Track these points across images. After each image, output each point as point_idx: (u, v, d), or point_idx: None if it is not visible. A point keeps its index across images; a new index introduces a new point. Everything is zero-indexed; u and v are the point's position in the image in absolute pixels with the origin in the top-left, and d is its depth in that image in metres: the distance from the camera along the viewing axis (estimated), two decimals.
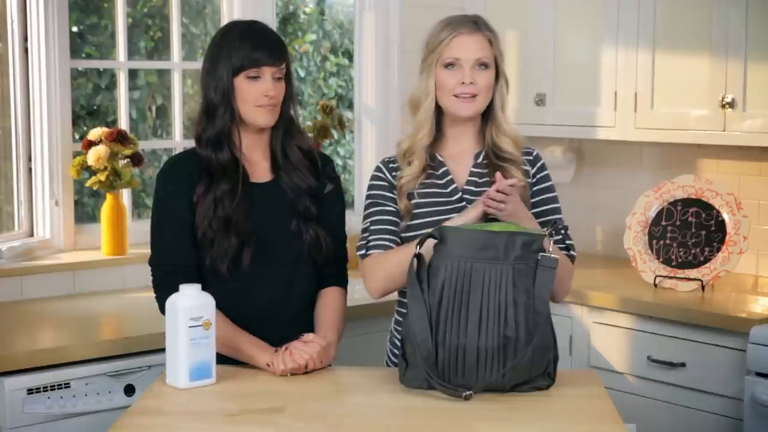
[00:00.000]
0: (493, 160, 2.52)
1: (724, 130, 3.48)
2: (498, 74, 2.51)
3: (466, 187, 2.51)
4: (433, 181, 2.52)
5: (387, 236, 2.51)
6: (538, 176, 2.56)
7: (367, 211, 2.56)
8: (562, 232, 2.52)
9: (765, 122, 3.40)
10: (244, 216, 2.50)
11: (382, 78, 4.21)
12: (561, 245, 2.51)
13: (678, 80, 3.60)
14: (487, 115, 2.54)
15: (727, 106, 3.45)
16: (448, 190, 2.51)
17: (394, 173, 2.55)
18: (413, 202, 2.51)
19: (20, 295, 3.32)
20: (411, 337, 2.24)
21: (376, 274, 2.48)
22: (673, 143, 3.80)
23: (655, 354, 3.32)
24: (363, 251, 2.53)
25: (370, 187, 2.58)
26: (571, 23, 3.91)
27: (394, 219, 2.52)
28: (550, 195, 2.56)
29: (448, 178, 2.52)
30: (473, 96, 2.47)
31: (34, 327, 3.07)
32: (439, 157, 2.54)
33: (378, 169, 2.59)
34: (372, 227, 2.53)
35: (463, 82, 2.46)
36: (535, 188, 2.55)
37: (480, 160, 2.54)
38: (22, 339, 2.93)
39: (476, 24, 2.50)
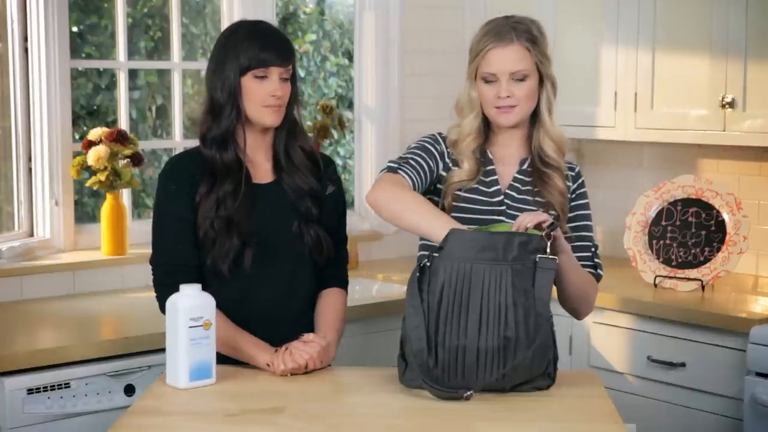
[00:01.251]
0: (537, 166, 2.51)
1: (724, 130, 3.48)
2: (542, 78, 2.48)
3: (507, 191, 2.51)
4: (480, 177, 2.51)
5: (414, 175, 2.44)
6: (578, 192, 2.56)
7: (411, 146, 2.51)
8: (592, 250, 2.56)
9: (765, 122, 3.40)
10: (246, 217, 2.50)
11: (382, 78, 4.21)
12: (589, 263, 2.53)
13: (678, 80, 3.60)
14: (535, 119, 2.52)
15: (727, 106, 3.45)
16: (491, 190, 2.50)
17: (448, 149, 2.52)
18: (455, 193, 2.49)
19: (20, 295, 3.32)
20: (408, 343, 2.24)
21: (390, 199, 2.37)
22: (673, 143, 3.80)
23: (655, 354, 3.32)
24: (395, 164, 2.45)
25: (422, 140, 2.53)
26: (571, 23, 3.91)
27: (429, 171, 2.47)
28: (585, 212, 2.58)
29: (493, 178, 2.51)
30: (512, 107, 2.46)
31: (34, 327, 3.07)
32: (489, 155, 2.53)
33: (435, 137, 2.54)
34: (411, 160, 2.46)
35: (499, 96, 2.45)
36: (572, 203, 2.55)
37: (525, 166, 2.53)
38: (22, 339, 2.93)
39: (515, 31, 2.44)
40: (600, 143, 4.09)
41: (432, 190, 2.52)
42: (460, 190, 2.50)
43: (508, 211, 2.48)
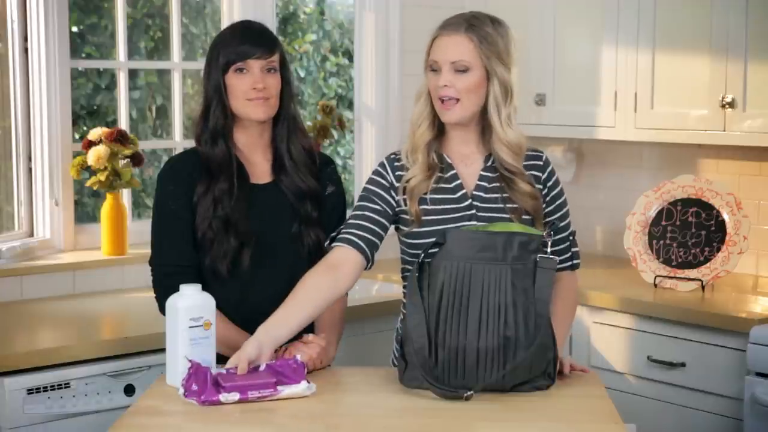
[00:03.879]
0: (500, 170, 2.44)
1: (724, 130, 3.48)
2: (489, 76, 2.41)
3: (475, 192, 2.45)
4: (442, 185, 2.44)
5: (358, 231, 2.41)
6: (550, 182, 2.50)
7: (355, 205, 2.50)
8: (570, 239, 2.52)
9: (765, 122, 3.39)
10: (243, 216, 2.50)
11: (382, 78, 4.21)
12: (566, 255, 2.51)
13: (678, 80, 3.60)
14: (487, 120, 2.45)
15: (727, 106, 3.45)
16: (457, 195, 2.44)
17: (397, 172, 2.47)
18: (422, 207, 2.43)
19: (20, 295, 3.32)
20: (409, 342, 2.24)
21: None
22: (673, 143, 3.80)
23: (655, 354, 3.32)
24: (329, 241, 2.49)
25: (368, 181, 2.50)
26: (571, 23, 3.91)
27: (376, 217, 2.43)
28: (560, 201, 2.51)
29: (457, 182, 2.45)
30: (455, 100, 2.39)
31: (34, 327, 3.07)
32: (447, 159, 2.47)
33: (381, 164, 2.50)
34: (350, 220, 2.45)
35: (438, 85, 2.40)
36: (547, 198, 2.49)
37: (490, 163, 2.46)
38: (22, 339, 2.93)
39: (466, 23, 2.40)
40: (600, 143, 4.09)
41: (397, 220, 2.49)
42: (425, 198, 2.43)
43: (479, 213, 2.42)
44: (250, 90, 2.50)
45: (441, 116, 2.44)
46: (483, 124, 2.46)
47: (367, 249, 2.41)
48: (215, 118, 2.53)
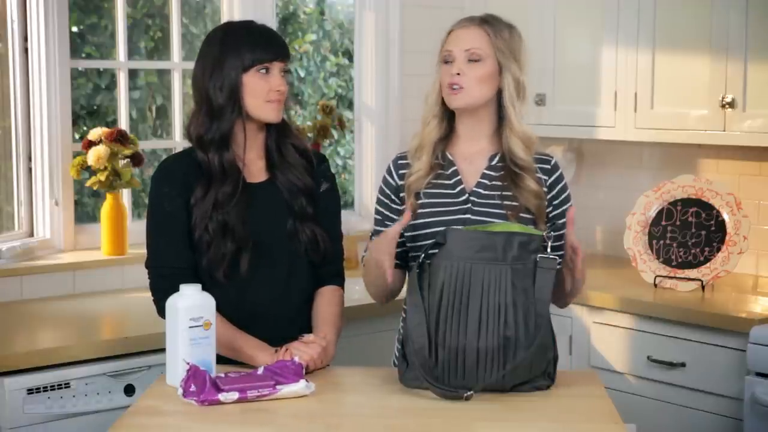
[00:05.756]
0: (508, 164, 2.46)
1: (724, 130, 3.48)
2: (502, 70, 2.44)
3: (474, 189, 2.46)
4: (442, 181, 2.47)
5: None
6: (558, 186, 2.50)
7: (375, 217, 2.57)
8: None
9: (765, 122, 3.40)
10: (241, 220, 2.49)
11: (382, 78, 4.21)
12: None
13: (678, 80, 3.60)
14: (502, 116, 2.48)
15: (727, 106, 3.45)
16: (456, 190, 2.46)
17: (401, 171, 2.52)
18: (419, 202, 2.47)
19: (20, 295, 3.33)
20: (409, 342, 2.24)
21: (366, 286, 2.55)
22: (673, 143, 3.80)
23: (655, 354, 3.32)
24: (362, 261, 2.56)
25: (379, 190, 2.57)
26: (571, 23, 3.91)
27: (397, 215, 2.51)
28: (566, 208, 2.50)
29: (457, 178, 2.47)
30: (462, 88, 2.42)
31: (34, 327, 3.07)
32: (450, 156, 2.49)
33: (387, 169, 2.56)
34: (374, 237, 2.53)
35: (451, 73, 2.43)
36: (553, 202, 2.49)
37: (494, 162, 2.48)
38: (22, 339, 2.93)
39: (481, 19, 2.46)
40: (600, 143, 4.09)
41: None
42: (419, 190, 2.47)
43: (474, 208, 2.44)
44: (273, 92, 2.49)
45: (449, 102, 2.46)
46: (496, 118, 2.49)
47: (400, 262, 2.50)
48: (230, 121, 2.49)
